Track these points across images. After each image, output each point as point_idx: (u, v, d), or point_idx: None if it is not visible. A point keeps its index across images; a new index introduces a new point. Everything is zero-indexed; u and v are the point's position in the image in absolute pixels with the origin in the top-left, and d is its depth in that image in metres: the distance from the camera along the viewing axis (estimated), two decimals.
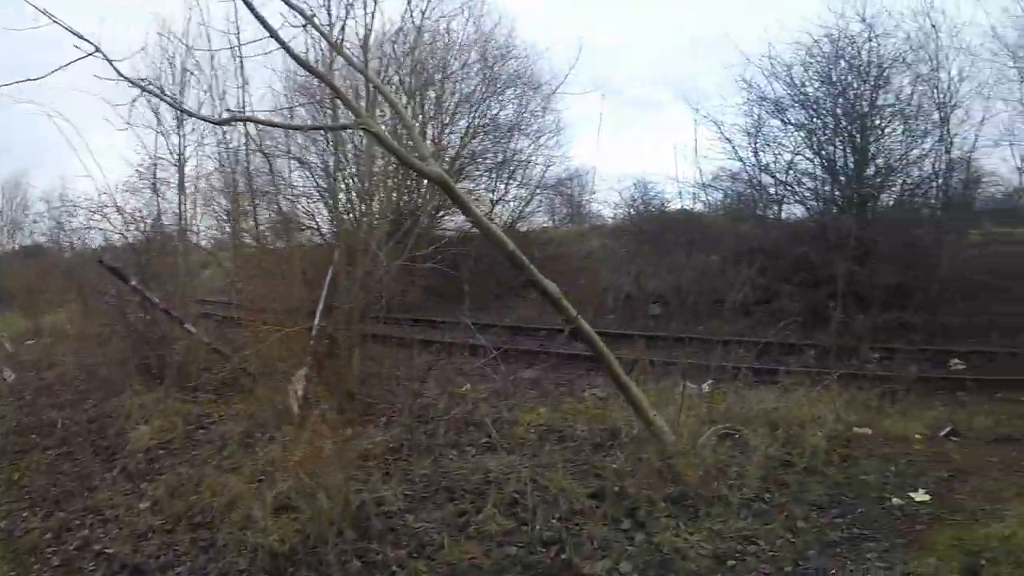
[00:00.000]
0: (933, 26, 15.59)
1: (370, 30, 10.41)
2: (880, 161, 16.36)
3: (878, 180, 16.42)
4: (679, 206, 19.61)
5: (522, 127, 20.59)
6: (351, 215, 13.35)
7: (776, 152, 16.90)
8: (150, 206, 12.70)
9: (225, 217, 14.12)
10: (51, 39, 5.43)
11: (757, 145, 16.95)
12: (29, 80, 5.45)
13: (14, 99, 6.58)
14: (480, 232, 6.46)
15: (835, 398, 7.50)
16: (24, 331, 17.45)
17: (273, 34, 5.65)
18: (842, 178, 16.58)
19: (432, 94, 18.82)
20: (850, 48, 15.60)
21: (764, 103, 16.65)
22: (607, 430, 7.15)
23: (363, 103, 9.68)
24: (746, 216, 17.78)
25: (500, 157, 20.52)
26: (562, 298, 6.11)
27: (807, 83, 16.16)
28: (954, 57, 15.97)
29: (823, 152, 16.74)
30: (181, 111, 12.67)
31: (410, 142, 8.82)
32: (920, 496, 5.78)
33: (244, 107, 13.46)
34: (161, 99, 9.62)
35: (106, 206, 11.55)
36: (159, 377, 9.75)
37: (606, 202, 23.30)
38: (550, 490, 5.75)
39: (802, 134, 16.69)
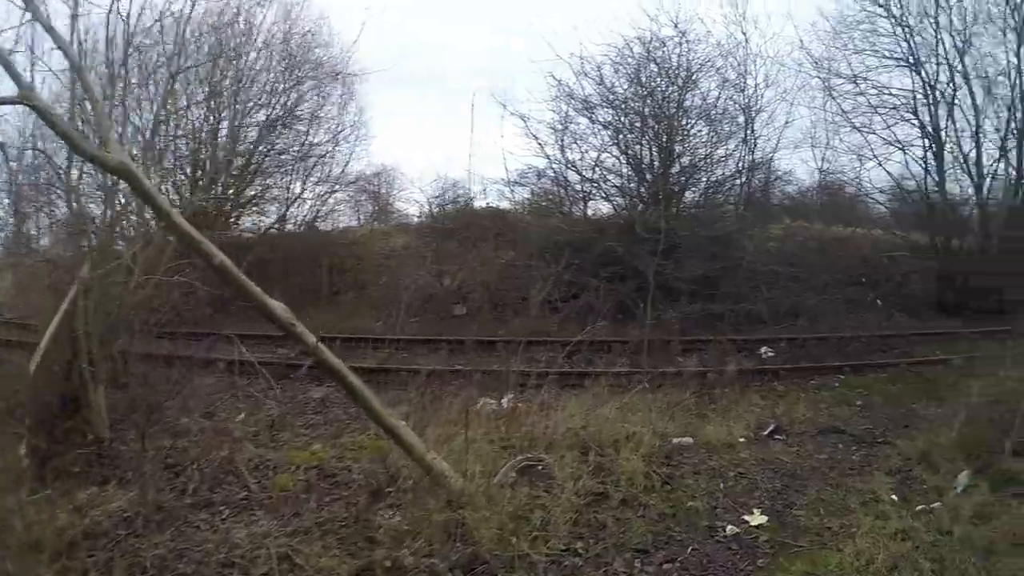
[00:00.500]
0: (744, 33, 16.37)
1: None
2: (686, 160, 16.39)
3: (683, 178, 16.44)
4: (486, 203, 18.94)
5: (320, 119, 18.90)
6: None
7: (583, 150, 16.40)
8: None
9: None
10: None
11: (564, 142, 16.33)
12: None
13: None
14: (177, 237, 4.57)
15: (650, 406, 6.38)
16: None
17: None
18: (648, 176, 16.42)
19: (228, 83, 17.14)
20: (661, 51, 15.48)
21: (572, 100, 16.06)
22: (388, 472, 5.48)
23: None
24: (552, 212, 17.17)
25: (299, 152, 18.63)
26: (295, 324, 4.40)
27: (616, 83, 15.83)
28: (761, 64, 16.80)
29: (630, 150, 16.49)
30: None
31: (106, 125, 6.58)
32: (757, 519, 4.77)
33: None
34: None
35: None
36: None
37: (413, 199, 22.09)
38: (305, 570, 3.98)
39: (609, 132, 16.32)
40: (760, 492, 5.24)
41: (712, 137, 16.27)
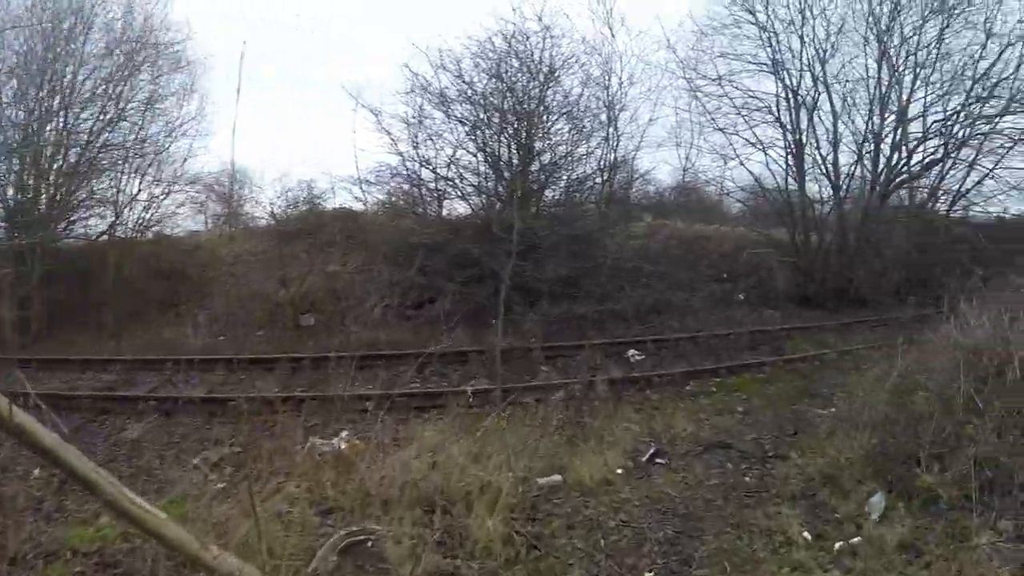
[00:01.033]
0: (611, 29, 15.79)
1: None
2: (546, 157, 15.52)
3: (543, 176, 15.56)
4: (338, 204, 17.20)
5: (156, 112, 16.43)
6: None
7: (438, 146, 15.08)
8: None
9: None
10: None
11: (418, 138, 14.93)
12: None
13: None
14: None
15: (507, 440, 5.04)
16: None
17: None
18: (507, 173, 15.39)
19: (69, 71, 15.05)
20: (523, 45, 14.48)
21: (428, 93, 14.70)
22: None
23: None
24: (406, 213, 15.73)
25: (134, 146, 16.17)
26: None
27: (476, 78, 14.67)
28: (626, 62, 16.20)
29: (488, 147, 15.37)
30: None
31: None
32: None
33: None
34: None
35: None
36: None
37: (263, 201, 19.82)
38: None
39: (466, 128, 15.11)
40: (650, 546, 4.07)
41: (574, 134, 15.47)
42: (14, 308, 12.30)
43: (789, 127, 15.61)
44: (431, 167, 15.05)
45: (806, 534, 4.20)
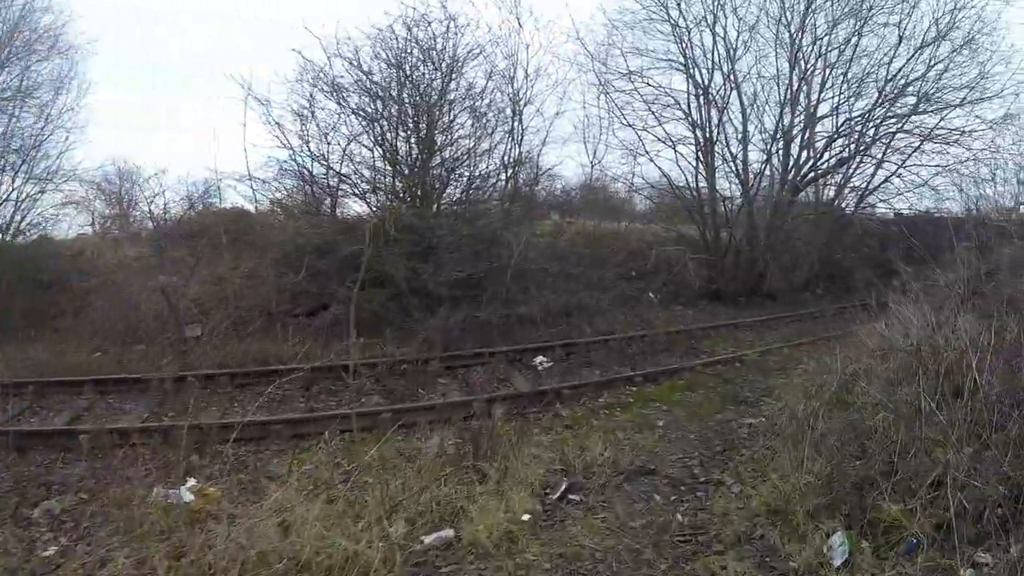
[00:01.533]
0: (518, 19, 14.51)
1: None
2: (448, 153, 14.40)
3: (444, 172, 14.45)
4: (232, 204, 15.80)
5: (28, 100, 14.49)
6: None
7: (331, 139, 13.69)
8: None
9: None
10: None
11: (309, 131, 13.50)
12: None
13: None
14: None
15: (385, 487, 3.89)
16: None
17: None
18: (406, 169, 14.18)
19: None
20: (426, 34, 13.32)
21: (321, 82, 13.28)
22: None
23: None
24: (298, 212, 14.27)
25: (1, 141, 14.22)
26: None
27: (374, 67, 13.39)
28: (533, 54, 15.35)
29: (386, 141, 14.12)
30: None
31: None
32: None
33: None
34: None
35: None
36: None
37: (149, 202, 17.84)
38: None
39: (362, 120, 13.78)
40: None
41: (477, 129, 14.44)
42: None
43: (700, 124, 15.20)
44: (324, 163, 13.68)
45: None
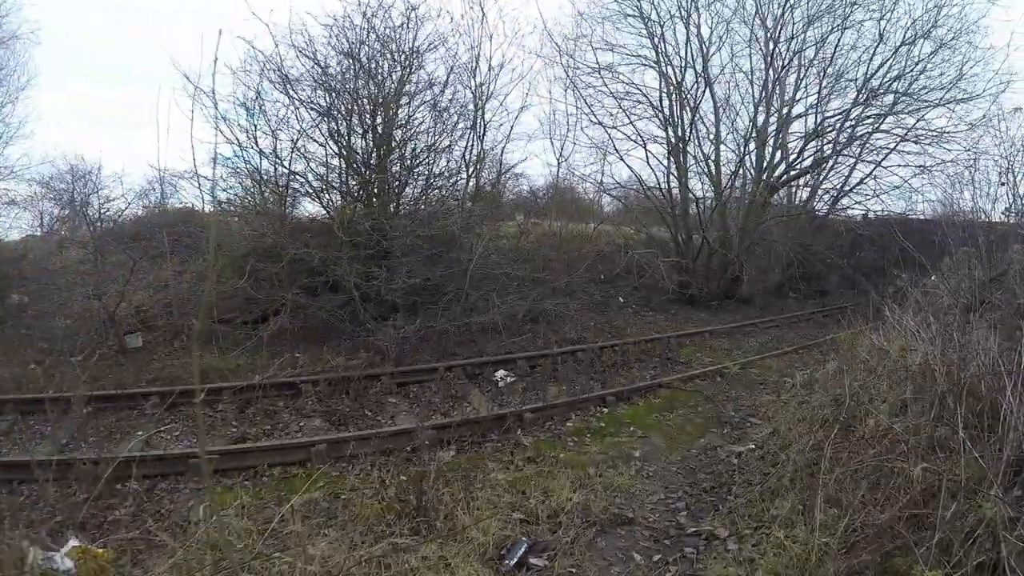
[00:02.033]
0: (482, 9, 13.63)
1: None
2: (406, 149, 13.47)
3: (402, 170, 13.51)
4: (181, 203, 14.99)
5: None
6: None
7: (279, 133, 12.67)
8: None
9: None
10: None
11: (256, 125, 12.46)
12: None
13: None
14: None
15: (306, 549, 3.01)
16: None
17: None
18: (361, 167, 13.21)
19: None
20: (384, 24, 12.35)
21: (268, 71, 12.25)
22: None
23: None
24: (245, 212, 13.23)
25: None
26: None
27: (329, 58, 12.39)
28: (498, 46, 14.56)
29: (340, 137, 13.14)
30: None
31: None
32: None
33: None
34: None
35: None
36: None
37: (92, 201, 16.64)
38: None
39: (314, 114, 12.79)
40: None
41: (437, 124, 13.54)
42: None
43: (671, 122, 14.53)
44: (272, 159, 12.64)
45: None
